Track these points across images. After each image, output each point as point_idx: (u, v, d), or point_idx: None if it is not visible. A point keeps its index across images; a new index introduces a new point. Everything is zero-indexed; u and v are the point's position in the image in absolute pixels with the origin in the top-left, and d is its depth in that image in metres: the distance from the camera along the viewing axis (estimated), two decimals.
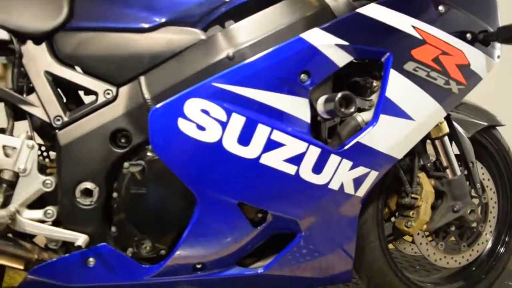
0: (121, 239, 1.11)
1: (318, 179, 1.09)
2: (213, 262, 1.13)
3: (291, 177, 1.07)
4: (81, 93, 1.21)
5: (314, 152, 1.07)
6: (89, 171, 1.07)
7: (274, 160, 1.05)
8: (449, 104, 1.21)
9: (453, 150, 1.35)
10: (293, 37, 1.05)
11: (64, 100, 1.12)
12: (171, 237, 1.11)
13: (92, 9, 1.13)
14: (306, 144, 1.06)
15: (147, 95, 1.07)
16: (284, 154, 1.05)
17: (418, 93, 1.15)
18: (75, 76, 1.10)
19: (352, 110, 1.02)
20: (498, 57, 1.29)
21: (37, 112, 1.10)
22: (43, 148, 1.23)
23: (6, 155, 1.06)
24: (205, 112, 1.00)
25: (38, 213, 1.08)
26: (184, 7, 1.10)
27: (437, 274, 1.55)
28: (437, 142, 1.34)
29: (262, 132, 1.03)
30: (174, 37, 1.09)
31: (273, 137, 1.04)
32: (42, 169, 1.11)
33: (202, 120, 1.00)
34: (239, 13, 1.10)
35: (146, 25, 1.09)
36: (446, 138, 1.33)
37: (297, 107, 1.06)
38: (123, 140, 1.09)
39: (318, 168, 1.08)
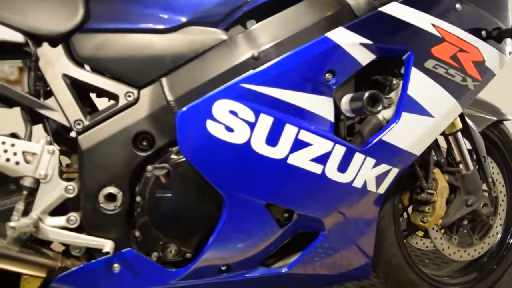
0: (145, 244, 1.09)
1: (343, 178, 1.10)
2: (239, 263, 1.13)
3: (318, 176, 1.07)
4: (92, 96, 1.20)
5: (339, 151, 1.08)
6: (112, 176, 1.05)
7: (301, 160, 1.05)
8: (466, 101, 1.23)
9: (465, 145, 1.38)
10: (316, 36, 1.05)
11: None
12: (196, 240, 1.10)
13: (110, 10, 1.10)
14: (332, 143, 1.07)
15: (170, 97, 1.05)
16: (310, 153, 1.05)
17: (438, 90, 1.16)
18: (95, 78, 1.07)
19: (379, 108, 1.03)
20: (510, 53, 1.32)
21: (56, 116, 1.07)
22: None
23: (26, 161, 1.03)
24: (233, 113, 1.00)
25: (61, 220, 1.05)
26: (205, 7, 1.08)
27: (447, 267, 1.58)
28: (450, 138, 1.36)
29: (289, 132, 1.03)
30: (196, 37, 1.07)
31: (300, 137, 1.04)
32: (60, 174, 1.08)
33: (231, 121, 1.00)
34: (260, 13, 1.10)
35: (166, 26, 1.07)
36: (459, 134, 1.36)
37: (322, 106, 1.07)
38: (144, 143, 1.07)
39: (343, 166, 1.09)
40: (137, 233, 1.08)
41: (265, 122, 1.01)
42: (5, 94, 1.05)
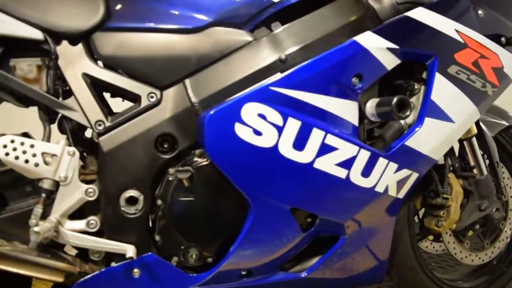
0: (166, 248, 1.07)
1: (366, 183, 1.09)
2: (259, 268, 1.11)
3: (342, 181, 1.06)
4: (106, 96, 1.17)
5: (364, 156, 1.07)
6: (134, 179, 1.03)
7: (327, 164, 1.04)
8: (484, 106, 1.24)
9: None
10: (342, 40, 1.04)
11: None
12: (218, 245, 1.08)
13: (132, 8, 1.08)
14: (357, 148, 1.06)
15: (194, 99, 1.03)
16: (336, 158, 1.04)
17: (459, 96, 1.16)
18: (116, 78, 1.04)
19: (407, 113, 1.03)
20: None
21: (76, 116, 1.04)
22: None
23: (46, 163, 0.99)
24: (262, 116, 0.98)
25: (81, 224, 1.02)
26: (231, 8, 1.06)
27: (456, 271, 1.59)
28: (465, 143, 1.37)
29: (316, 136, 1.02)
30: (221, 38, 1.05)
31: (327, 141, 1.03)
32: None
33: (259, 125, 0.98)
34: (285, 15, 1.08)
35: (191, 26, 1.05)
36: (474, 139, 1.36)
37: (348, 110, 1.06)
38: (166, 145, 1.04)
39: (367, 171, 1.08)
40: (158, 237, 1.06)
41: (293, 126, 1.00)
42: (23, 93, 1.02)
